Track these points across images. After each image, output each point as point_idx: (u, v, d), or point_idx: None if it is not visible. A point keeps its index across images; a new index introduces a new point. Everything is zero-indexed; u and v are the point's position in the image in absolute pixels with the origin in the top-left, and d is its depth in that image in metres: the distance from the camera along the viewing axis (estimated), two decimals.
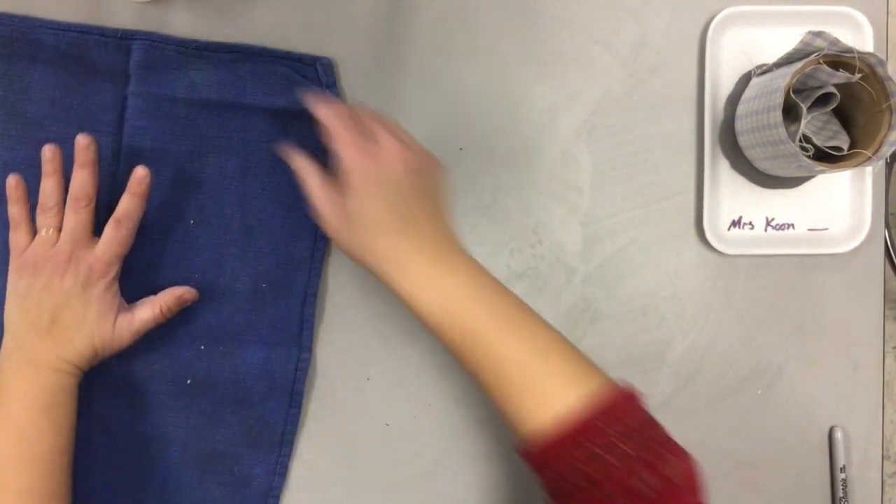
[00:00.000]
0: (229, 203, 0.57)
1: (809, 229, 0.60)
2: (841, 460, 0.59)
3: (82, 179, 0.51)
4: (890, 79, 0.51)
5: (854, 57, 0.51)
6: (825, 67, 0.52)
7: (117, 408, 0.56)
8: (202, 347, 0.57)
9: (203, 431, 0.57)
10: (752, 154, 0.58)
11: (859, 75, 0.52)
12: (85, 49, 0.56)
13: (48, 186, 0.52)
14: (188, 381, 0.57)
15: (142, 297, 0.55)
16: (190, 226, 0.57)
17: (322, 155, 0.55)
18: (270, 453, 0.57)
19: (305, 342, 0.58)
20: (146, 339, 0.55)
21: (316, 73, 0.57)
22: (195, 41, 0.57)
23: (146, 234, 0.56)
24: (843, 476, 0.59)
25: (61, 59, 0.56)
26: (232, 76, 0.57)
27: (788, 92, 0.52)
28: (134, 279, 0.55)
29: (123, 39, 0.56)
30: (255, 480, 0.57)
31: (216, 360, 0.57)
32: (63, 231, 0.51)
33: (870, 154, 0.52)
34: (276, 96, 0.57)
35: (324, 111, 0.50)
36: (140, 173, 0.52)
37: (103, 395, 0.56)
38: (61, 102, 0.56)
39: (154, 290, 0.55)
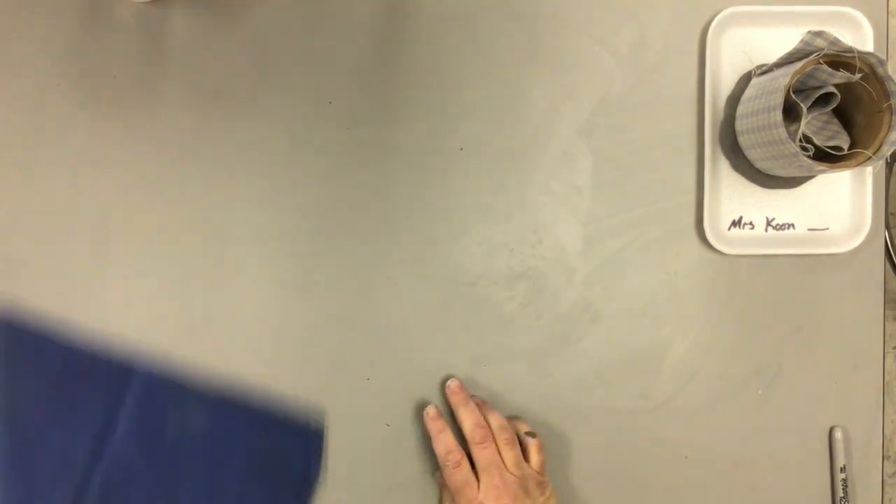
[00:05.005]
0: None
1: (809, 229, 0.60)
2: (841, 460, 0.59)
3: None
4: (890, 79, 0.51)
5: (854, 57, 0.51)
6: (825, 67, 0.52)
7: None
8: None
9: None
10: (752, 154, 0.58)
11: (859, 75, 0.52)
12: (86, 370, 0.57)
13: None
14: None
15: None
16: None
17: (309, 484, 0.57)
18: None
19: None
20: None
21: (306, 428, 0.58)
22: (195, 378, 0.58)
23: None
24: (843, 476, 0.59)
25: (59, 376, 0.57)
26: (224, 412, 0.57)
27: (788, 92, 0.52)
28: None
29: (127, 370, 0.57)
30: None
31: None
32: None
33: (870, 154, 0.52)
34: (263, 438, 0.58)
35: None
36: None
37: None
38: (48, 407, 0.57)
39: None
